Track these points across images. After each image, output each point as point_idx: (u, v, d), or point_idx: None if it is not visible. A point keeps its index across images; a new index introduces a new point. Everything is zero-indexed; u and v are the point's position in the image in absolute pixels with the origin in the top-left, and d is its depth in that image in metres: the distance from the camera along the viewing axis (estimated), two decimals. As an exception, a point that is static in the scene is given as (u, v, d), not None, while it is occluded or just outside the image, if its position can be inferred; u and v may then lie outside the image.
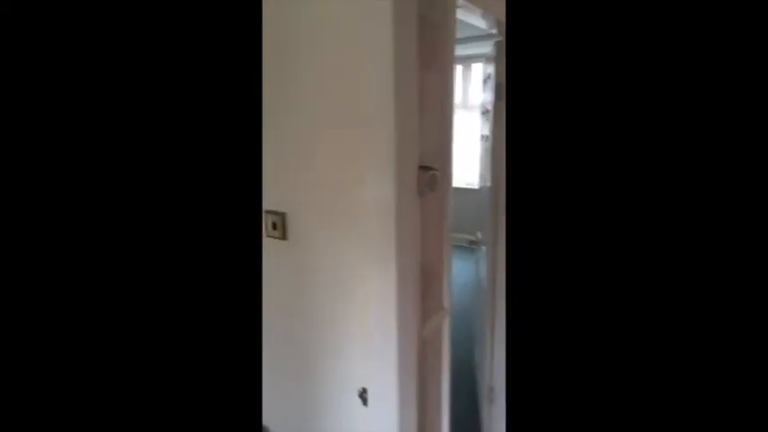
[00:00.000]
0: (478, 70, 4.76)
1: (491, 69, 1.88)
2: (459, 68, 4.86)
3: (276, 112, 1.12)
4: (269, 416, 1.43)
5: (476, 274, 2.93)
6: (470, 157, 4.90)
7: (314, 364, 1.24)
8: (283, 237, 1.20)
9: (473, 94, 4.89)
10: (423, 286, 1.13)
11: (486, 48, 1.99)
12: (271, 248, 1.24)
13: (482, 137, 2.48)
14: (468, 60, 4.78)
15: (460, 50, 4.36)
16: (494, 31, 1.68)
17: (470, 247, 4.60)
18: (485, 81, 2.24)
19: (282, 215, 1.19)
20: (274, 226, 1.21)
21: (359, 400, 1.15)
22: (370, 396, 1.11)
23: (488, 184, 2.00)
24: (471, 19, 1.56)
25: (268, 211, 1.21)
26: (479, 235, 2.57)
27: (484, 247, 2.17)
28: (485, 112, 2.27)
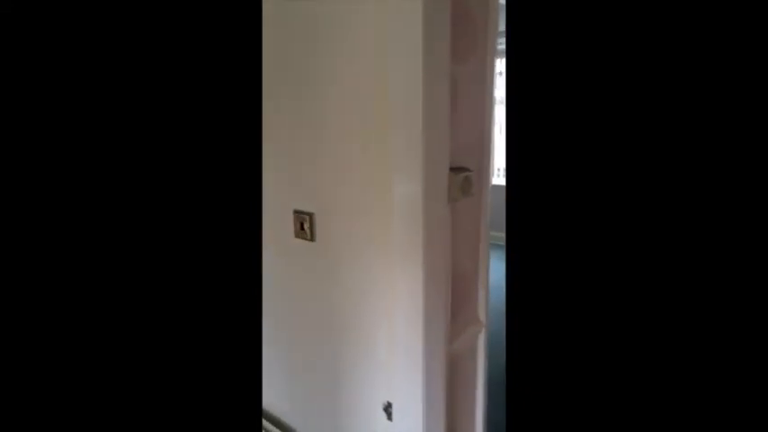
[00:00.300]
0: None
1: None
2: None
3: (303, 111, 1.08)
4: (294, 422, 1.41)
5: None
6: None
7: (339, 372, 1.20)
8: (311, 238, 1.16)
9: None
10: (456, 297, 1.05)
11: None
12: (299, 250, 1.20)
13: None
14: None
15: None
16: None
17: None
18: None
19: (310, 215, 1.15)
20: (302, 226, 1.17)
21: (383, 414, 1.09)
22: (394, 411, 1.05)
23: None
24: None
25: (297, 211, 1.17)
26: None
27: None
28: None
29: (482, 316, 1.16)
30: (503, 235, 4.52)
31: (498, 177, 4.72)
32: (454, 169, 0.92)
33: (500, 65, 3.65)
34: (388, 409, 1.08)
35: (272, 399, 1.47)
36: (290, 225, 1.20)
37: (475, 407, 1.23)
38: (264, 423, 1.45)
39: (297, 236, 1.19)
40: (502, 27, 2.74)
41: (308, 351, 1.28)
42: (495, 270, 1.22)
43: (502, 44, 2.88)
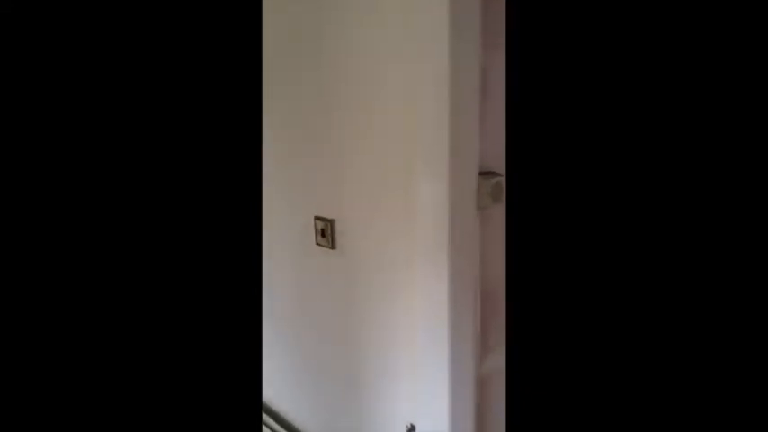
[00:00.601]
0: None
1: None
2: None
3: (322, 112, 1.02)
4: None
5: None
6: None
7: (359, 388, 1.14)
8: (332, 246, 1.10)
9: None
10: (486, 313, 0.96)
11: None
12: (319, 258, 1.15)
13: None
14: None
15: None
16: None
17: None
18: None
19: (331, 222, 1.09)
20: (323, 233, 1.12)
21: (407, 437, 1.02)
22: (418, 435, 0.98)
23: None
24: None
25: (317, 218, 1.12)
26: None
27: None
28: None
29: (516, 333, 1.06)
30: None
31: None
32: (484, 173, 0.84)
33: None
34: None
35: (288, 408, 1.42)
36: (310, 232, 1.15)
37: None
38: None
39: (317, 243, 1.13)
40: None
41: (328, 364, 1.23)
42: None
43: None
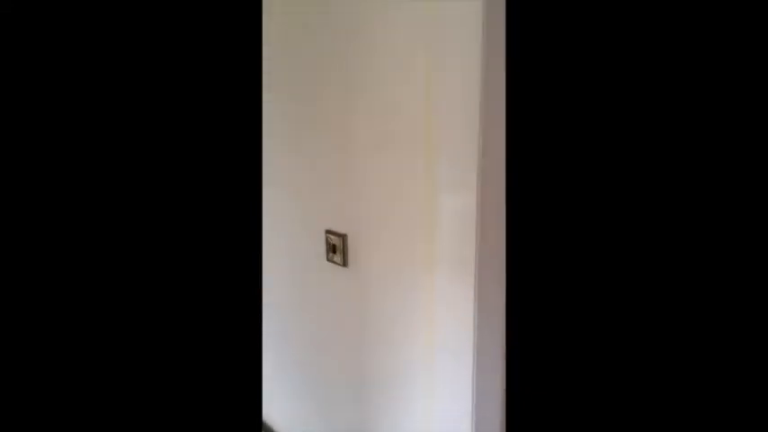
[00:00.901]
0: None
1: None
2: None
3: (335, 113, 0.97)
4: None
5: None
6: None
7: (371, 421, 1.05)
8: (344, 263, 1.04)
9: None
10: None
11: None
12: (330, 276, 1.08)
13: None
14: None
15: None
16: None
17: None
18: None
19: (343, 237, 1.02)
20: (334, 249, 1.05)
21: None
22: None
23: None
24: None
25: (328, 231, 1.05)
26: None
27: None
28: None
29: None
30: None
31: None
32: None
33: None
34: (431, 469, 0.92)
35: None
36: (321, 247, 1.08)
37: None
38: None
39: (328, 259, 1.06)
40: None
41: (337, 388, 1.15)
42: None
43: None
